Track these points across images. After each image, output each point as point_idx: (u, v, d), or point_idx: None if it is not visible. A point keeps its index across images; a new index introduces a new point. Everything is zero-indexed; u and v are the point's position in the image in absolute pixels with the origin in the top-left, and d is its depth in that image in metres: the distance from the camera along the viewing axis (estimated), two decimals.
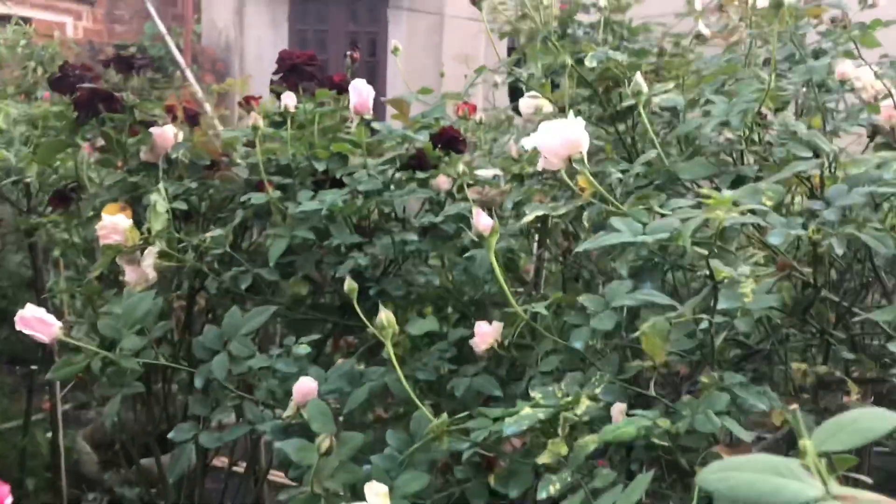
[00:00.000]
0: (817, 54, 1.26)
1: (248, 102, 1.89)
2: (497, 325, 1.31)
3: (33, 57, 5.31)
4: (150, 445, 1.77)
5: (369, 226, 1.72)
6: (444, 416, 0.97)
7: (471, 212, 1.63)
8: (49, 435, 2.74)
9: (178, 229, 1.64)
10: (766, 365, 1.08)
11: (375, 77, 9.40)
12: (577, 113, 1.43)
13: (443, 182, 1.71)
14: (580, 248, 0.95)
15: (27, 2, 9.85)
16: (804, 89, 1.29)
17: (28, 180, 2.00)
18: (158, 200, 1.43)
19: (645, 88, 1.17)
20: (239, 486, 2.02)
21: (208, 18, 10.77)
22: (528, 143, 1.03)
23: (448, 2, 9.49)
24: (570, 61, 1.27)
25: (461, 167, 1.47)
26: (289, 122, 1.65)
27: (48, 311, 1.24)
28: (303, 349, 1.38)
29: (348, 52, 2.04)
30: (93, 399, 3.04)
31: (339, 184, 1.72)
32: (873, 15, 1.57)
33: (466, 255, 1.40)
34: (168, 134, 1.69)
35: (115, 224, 1.44)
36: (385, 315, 1.03)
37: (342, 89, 1.98)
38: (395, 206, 1.54)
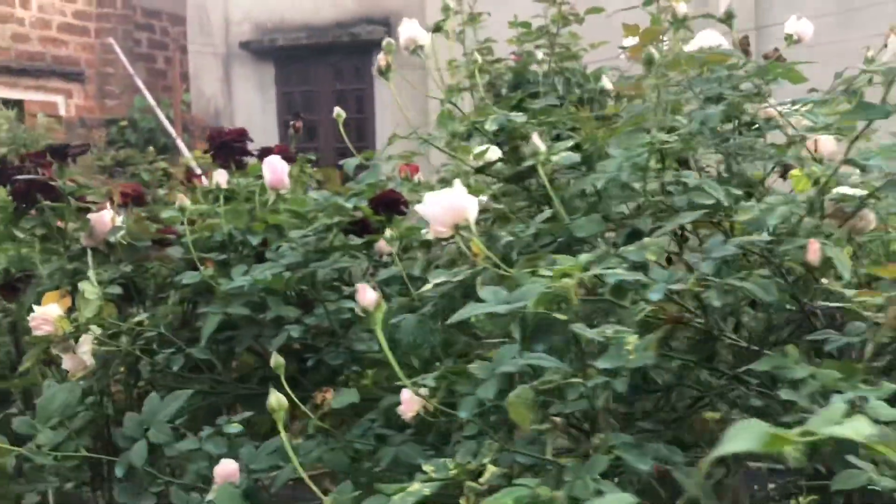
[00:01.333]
0: (719, 99, 1.27)
1: (189, 180, 1.91)
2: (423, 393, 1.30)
3: (15, 140, 5.40)
4: None
5: (309, 296, 1.73)
6: (333, 495, 0.97)
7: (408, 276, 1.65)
8: None
9: (121, 311, 1.66)
10: (673, 415, 1.07)
11: (365, 133, 9.51)
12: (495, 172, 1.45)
13: (384, 246, 1.72)
14: (451, 321, 0.95)
15: (19, 84, 10.06)
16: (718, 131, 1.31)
17: None
18: (87, 287, 1.44)
19: (542, 148, 1.19)
20: None
21: (196, 87, 10.95)
22: (419, 211, 1.04)
23: (431, 56, 9.65)
24: (461, 129, 1.29)
25: (388, 233, 1.49)
26: (221, 198, 1.67)
27: None
28: (234, 427, 1.38)
29: (291, 123, 2.07)
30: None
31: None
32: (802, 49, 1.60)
33: (392, 321, 1.40)
34: (105, 219, 1.71)
35: (45, 314, 1.45)
36: (275, 398, 1.03)
37: (285, 161, 2.01)
38: (319, 278, 1.55)
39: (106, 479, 1.43)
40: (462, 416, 0.92)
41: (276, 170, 1.42)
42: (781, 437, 0.52)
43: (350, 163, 2.02)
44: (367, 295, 0.98)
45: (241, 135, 1.72)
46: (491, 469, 0.94)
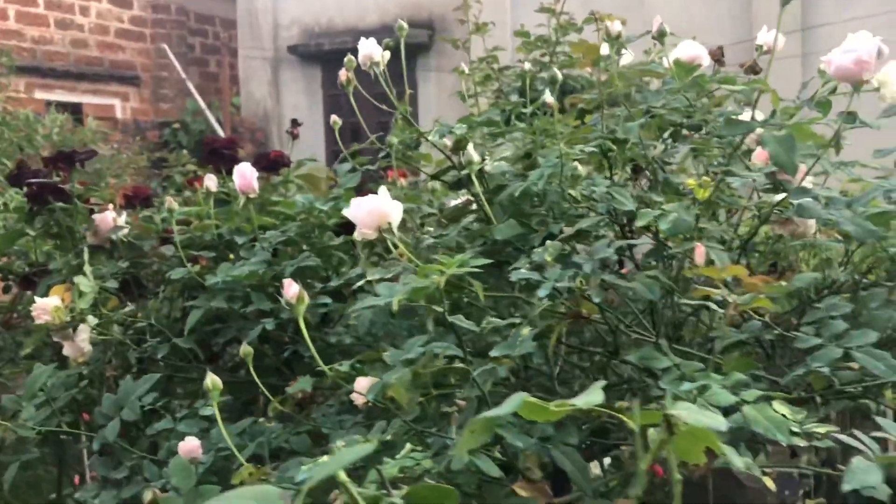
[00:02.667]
0: (647, 112, 1.36)
1: (190, 184, 2.07)
2: (369, 380, 1.42)
3: (65, 143, 5.67)
4: None
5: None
6: (249, 466, 1.09)
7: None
8: None
9: (124, 305, 1.81)
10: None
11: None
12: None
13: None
14: (350, 311, 1.06)
15: (77, 88, 10.48)
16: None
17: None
18: (82, 281, 1.60)
19: (476, 158, 1.30)
20: None
21: (246, 90, 11.26)
22: (345, 213, 1.16)
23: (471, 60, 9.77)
24: (407, 138, 1.41)
25: (356, 233, 1.60)
26: (212, 201, 1.81)
27: None
28: (207, 410, 1.51)
29: (289, 130, 2.21)
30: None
31: (275, 254, 1.87)
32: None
33: (353, 312, 1.52)
34: (107, 219, 1.87)
35: (44, 305, 1.61)
36: (211, 379, 1.16)
37: (279, 166, 2.15)
38: (286, 275, 1.68)
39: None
40: (369, 398, 1.03)
41: (245, 175, 1.56)
42: (539, 406, 0.62)
43: (343, 168, 2.15)
44: (290, 289, 1.10)
45: (232, 142, 1.87)
46: (408, 447, 1.06)
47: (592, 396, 0.60)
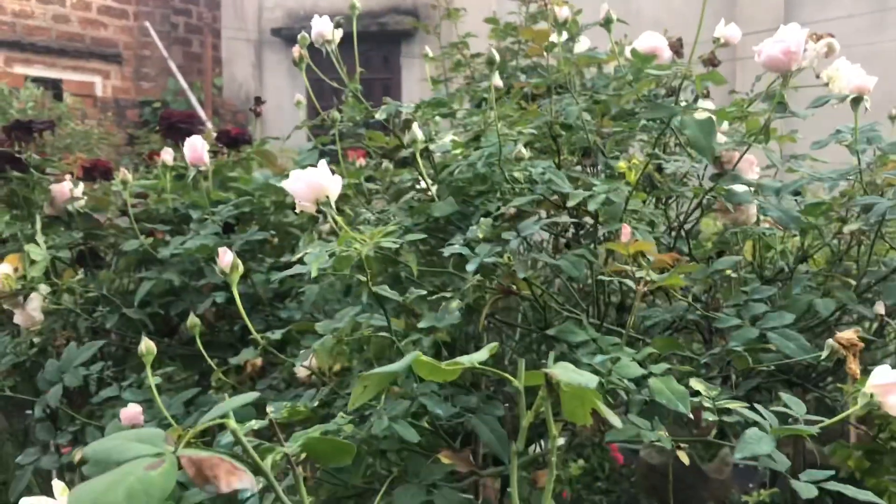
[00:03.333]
0: (591, 97, 1.38)
1: (150, 158, 2.08)
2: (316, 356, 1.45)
3: (40, 117, 5.64)
4: None
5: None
6: (178, 428, 1.11)
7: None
8: None
9: (77, 274, 1.82)
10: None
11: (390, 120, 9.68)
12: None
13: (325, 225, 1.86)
14: (282, 275, 1.09)
15: (58, 64, 10.39)
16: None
17: None
18: (33, 249, 1.61)
19: (420, 137, 1.32)
20: None
21: (229, 72, 11.21)
22: (285, 186, 1.18)
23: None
24: (357, 117, 1.43)
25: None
26: (167, 175, 1.82)
27: None
28: (155, 380, 1.53)
29: (251, 108, 2.22)
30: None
31: (231, 229, 1.89)
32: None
33: (301, 289, 1.55)
34: (64, 189, 1.88)
35: None
36: (146, 344, 1.17)
37: (240, 142, 2.16)
38: (235, 248, 1.69)
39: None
40: (296, 365, 1.05)
41: (195, 148, 1.57)
42: (432, 365, 0.65)
43: (304, 147, 2.17)
44: (225, 258, 1.12)
45: (190, 117, 1.88)
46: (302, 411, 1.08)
47: (478, 355, 0.62)
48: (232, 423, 0.57)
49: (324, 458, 0.67)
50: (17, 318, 1.70)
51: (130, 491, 0.46)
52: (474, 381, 1.22)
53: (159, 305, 1.79)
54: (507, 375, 0.63)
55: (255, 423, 1.04)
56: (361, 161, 2.20)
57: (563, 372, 0.60)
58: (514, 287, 1.12)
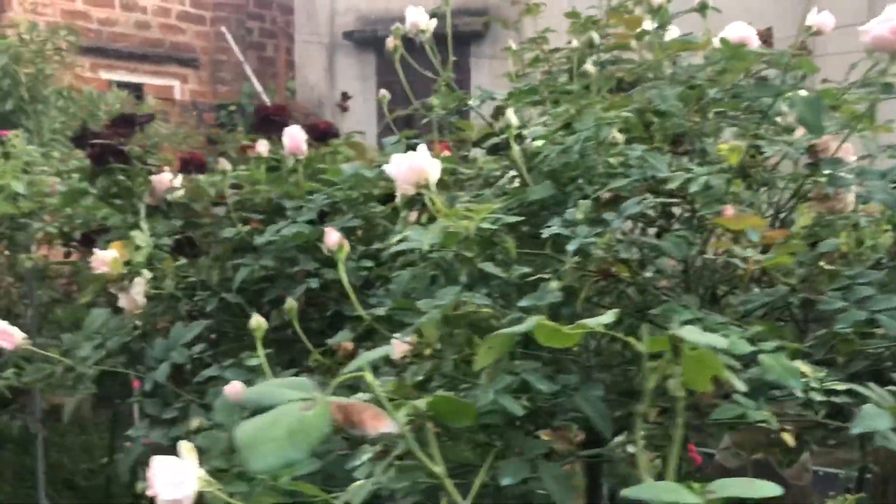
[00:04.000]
0: (686, 82, 1.38)
1: (242, 151, 2.15)
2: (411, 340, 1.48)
3: None
4: None
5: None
6: None
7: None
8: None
9: (176, 261, 1.90)
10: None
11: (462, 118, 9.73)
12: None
13: (412, 214, 1.89)
14: (387, 252, 1.12)
15: (139, 69, 10.76)
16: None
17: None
18: (138, 236, 1.68)
19: (514, 122, 1.34)
20: None
21: (302, 75, 11.42)
22: (386, 170, 1.22)
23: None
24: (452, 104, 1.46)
25: (398, 198, 1.66)
26: (262, 166, 1.88)
27: None
28: (253, 360, 1.59)
29: (338, 103, 2.27)
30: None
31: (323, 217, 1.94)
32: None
33: (394, 274, 1.58)
34: (164, 180, 1.96)
35: (102, 257, 1.70)
36: (256, 319, 1.22)
37: (328, 136, 2.21)
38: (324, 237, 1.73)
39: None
40: (402, 340, 1.08)
41: (294, 138, 1.62)
42: (553, 329, 0.67)
43: (389, 140, 2.21)
44: (331, 237, 1.16)
45: (283, 109, 1.94)
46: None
47: (604, 318, 0.64)
48: (369, 375, 0.60)
49: (448, 417, 0.69)
50: (122, 302, 1.78)
51: (290, 428, 0.49)
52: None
53: (252, 292, 1.85)
54: (631, 340, 0.65)
55: (363, 396, 1.07)
56: (446, 153, 2.23)
57: (691, 332, 0.61)
58: (614, 269, 1.13)
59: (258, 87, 11.18)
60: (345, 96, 2.64)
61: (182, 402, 1.48)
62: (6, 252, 3.10)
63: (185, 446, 0.92)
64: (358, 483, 0.90)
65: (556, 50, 3.49)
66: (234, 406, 1.30)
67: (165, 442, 1.43)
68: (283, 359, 1.96)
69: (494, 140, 1.44)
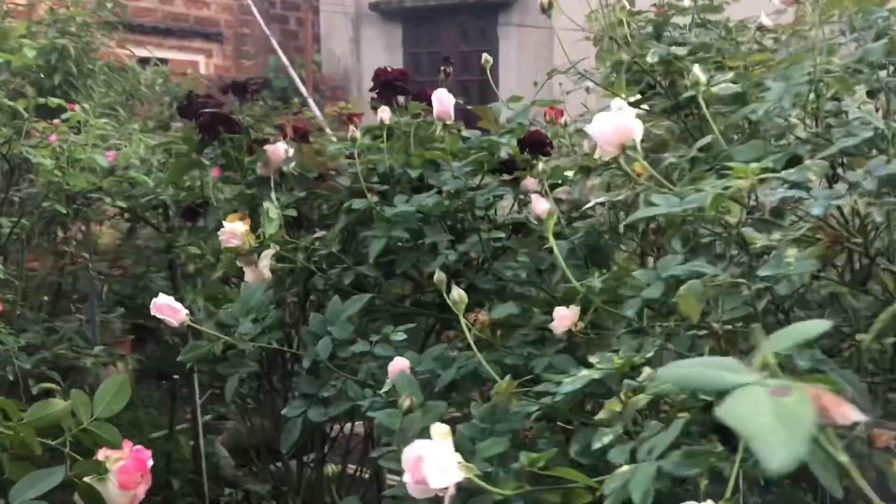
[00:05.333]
0: (879, 37, 1.29)
1: (350, 120, 2.06)
2: (574, 309, 1.40)
3: (169, 93, 5.78)
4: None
5: (462, 227, 1.85)
6: (508, 377, 1.08)
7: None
8: (191, 442, 3.03)
9: (290, 235, 1.83)
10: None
11: (486, 94, 9.61)
12: (649, 105, 1.52)
13: (530, 183, 1.81)
14: (626, 222, 1.04)
15: (164, 44, 10.64)
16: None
17: (164, 200, 2.25)
18: (271, 208, 1.61)
19: (703, 79, 1.25)
20: (364, 489, 2.18)
21: (327, 48, 11.29)
22: (589, 130, 1.13)
23: (555, 15, 9.62)
24: (625, 58, 1.36)
25: (541, 167, 1.58)
26: (384, 132, 1.80)
27: None
28: (399, 336, 1.52)
29: (442, 68, 2.18)
30: (229, 411, 3.37)
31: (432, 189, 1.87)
32: None
33: (545, 245, 1.50)
34: (280, 150, 1.88)
35: (233, 230, 1.62)
36: (457, 292, 1.15)
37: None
38: (477, 204, 1.66)
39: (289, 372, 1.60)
40: (628, 314, 1.01)
41: (443, 102, 1.54)
42: None
43: (497, 106, 2.12)
44: (540, 204, 1.08)
45: (404, 75, 1.85)
46: (647, 370, 1.03)
47: None
48: (771, 357, 0.52)
49: None
50: (248, 276, 1.71)
51: (780, 417, 0.42)
52: None
53: (378, 265, 1.78)
54: None
55: (594, 373, 1.00)
56: (564, 119, 2.15)
57: None
58: (845, 235, 1.05)
59: (284, 59, 11.05)
60: (447, 61, 2.54)
61: (336, 378, 1.41)
62: (82, 228, 3.04)
63: (438, 430, 0.85)
64: (624, 469, 0.83)
65: (639, 13, 3.37)
66: (415, 384, 1.23)
67: (322, 420, 1.36)
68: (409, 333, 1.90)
69: (677, 101, 1.35)
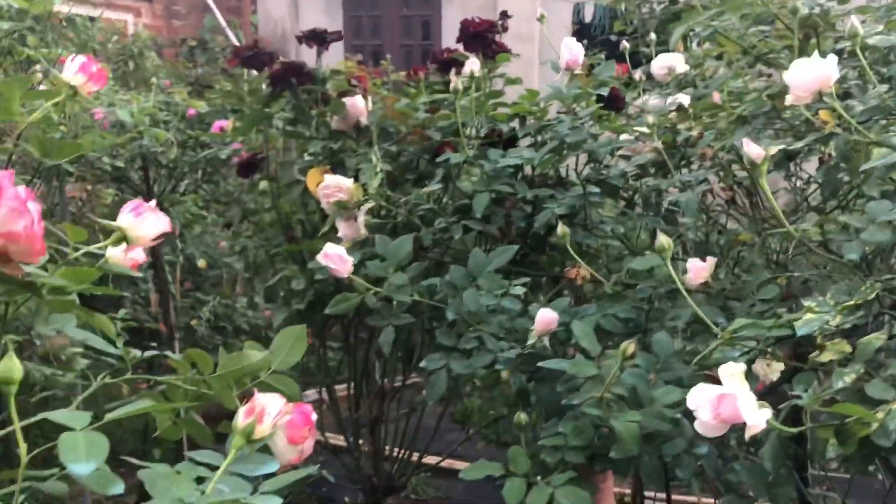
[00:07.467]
0: None
1: (415, 74, 2.01)
2: (710, 261, 1.41)
3: (124, 52, 5.54)
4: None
5: (547, 183, 1.83)
6: (726, 327, 1.08)
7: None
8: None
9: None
10: None
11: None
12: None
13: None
14: (866, 167, 1.04)
15: (88, 1, 10.13)
16: None
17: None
18: (375, 161, 1.56)
19: (860, 30, 1.26)
20: None
21: (264, 10, 10.95)
22: (788, 77, 1.12)
23: None
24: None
25: (650, 119, 1.57)
26: (473, 86, 1.75)
27: None
28: (518, 289, 1.50)
29: (499, 21, 2.14)
30: None
31: (511, 143, 1.84)
32: None
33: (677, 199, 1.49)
34: (359, 104, 1.82)
35: (338, 183, 1.57)
36: (662, 238, 1.14)
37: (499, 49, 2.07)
38: (599, 156, 1.64)
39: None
40: (849, 257, 1.02)
41: (572, 50, 1.51)
42: None
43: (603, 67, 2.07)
44: (752, 149, 1.07)
45: (493, 25, 1.80)
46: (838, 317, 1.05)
47: None
48: None
49: None
50: (342, 231, 1.65)
51: None
52: None
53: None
54: None
55: (823, 315, 1.00)
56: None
57: None
58: None
59: (221, 20, 10.67)
60: (504, 15, 2.47)
61: (472, 332, 1.38)
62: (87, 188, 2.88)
63: (729, 370, 0.85)
64: None
65: None
66: (591, 333, 1.22)
67: (465, 372, 1.33)
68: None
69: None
